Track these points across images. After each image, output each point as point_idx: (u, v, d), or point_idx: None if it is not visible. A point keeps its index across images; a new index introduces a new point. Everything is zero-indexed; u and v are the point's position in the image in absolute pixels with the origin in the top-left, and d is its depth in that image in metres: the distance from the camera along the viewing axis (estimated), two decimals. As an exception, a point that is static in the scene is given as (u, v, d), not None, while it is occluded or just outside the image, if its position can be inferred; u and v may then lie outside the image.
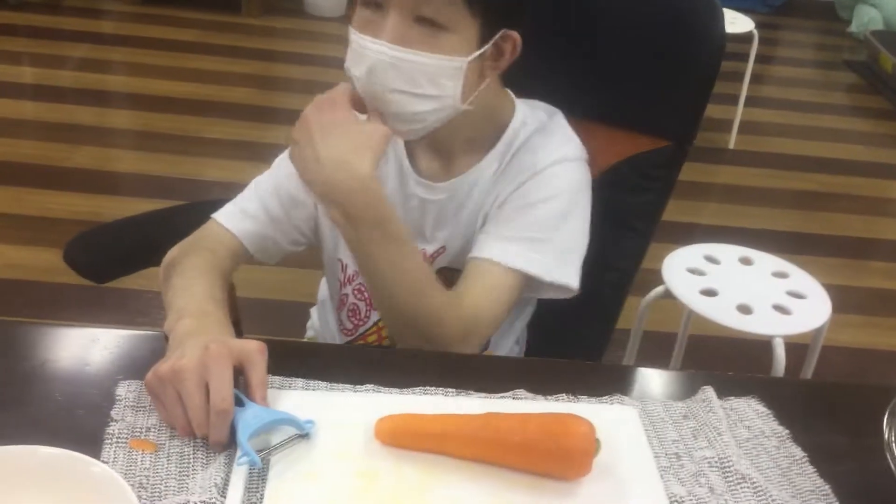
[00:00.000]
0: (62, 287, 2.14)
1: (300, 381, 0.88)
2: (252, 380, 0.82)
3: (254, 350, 0.82)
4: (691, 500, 0.78)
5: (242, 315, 1.29)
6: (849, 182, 3.55)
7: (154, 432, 0.80)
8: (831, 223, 3.23)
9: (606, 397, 0.91)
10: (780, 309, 1.68)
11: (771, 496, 0.79)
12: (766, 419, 0.90)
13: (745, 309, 1.67)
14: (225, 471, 0.75)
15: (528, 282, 1.06)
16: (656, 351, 2.07)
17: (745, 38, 3.43)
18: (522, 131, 1.11)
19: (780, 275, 1.79)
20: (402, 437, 0.81)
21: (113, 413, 0.81)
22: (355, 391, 0.88)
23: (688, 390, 0.93)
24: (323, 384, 0.88)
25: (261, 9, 4.64)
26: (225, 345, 0.81)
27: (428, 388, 0.89)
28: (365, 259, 0.99)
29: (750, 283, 1.76)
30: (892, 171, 3.72)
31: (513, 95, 1.14)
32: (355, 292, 1.20)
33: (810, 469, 0.84)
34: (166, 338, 0.88)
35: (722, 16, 1.16)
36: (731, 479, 0.80)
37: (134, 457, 0.77)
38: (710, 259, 1.82)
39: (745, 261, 1.84)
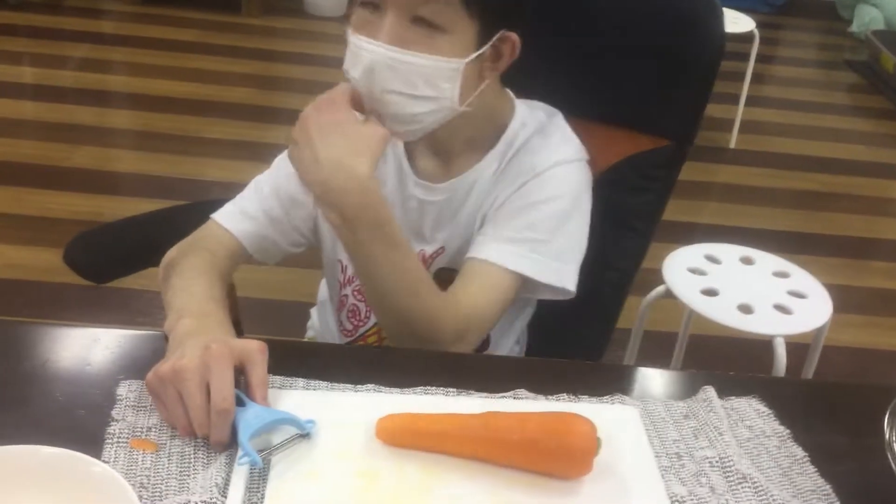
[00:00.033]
0: (63, 287, 2.14)
1: (301, 381, 0.88)
2: (253, 379, 0.82)
3: (254, 350, 0.82)
4: (692, 499, 0.78)
5: (243, 315, 1.29)
6: (850, 182, 3.55)
7: (155, 432, 0.80)
8: (832, 223, 3.23)
9: (607, 397, 0.91)
10: (780, 309, 1.68)
11: (772, 496, 0.79)
12: (766, 419, 0.90)
13: (745, 308, 1.67)
14: (226, 470, 0.75)
15: (525, 283, 1.06)
16: (657, 351, 2.07)
17: (746, 38, 3.43)
18: (522, 132, 1.11)
19: (781, 274, 1.79)
20: (402, 436, 0.81)
21: (114, 413, 0.81)
22: (356, 391, 0.88)
23: (689, 390, 0.93)
24: (324, 384, 0.88)
25: (261, 9, 4.64)
26: (226, 344, 0.81)
27: (428, 388, 0.89)
28: (361, 260, 0.99)
29: (751, 283, 1.76)
30: (893, 170, 3.72)
31: (512, 96, 1.14)
32: (355, 293, 1.20)
33: (811, 469, 0.84)
34: (167, 338, 0.88)
35: (722, 15, 1.16)
36: (731, 478, 0.80)
37: (135, 457, 0.77)
38: (711, 259, 1.82)
39: (746, 260, 1.84)
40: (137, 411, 0.82)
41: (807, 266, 1.82)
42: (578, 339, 1.29)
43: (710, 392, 0.91)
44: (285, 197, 1.11)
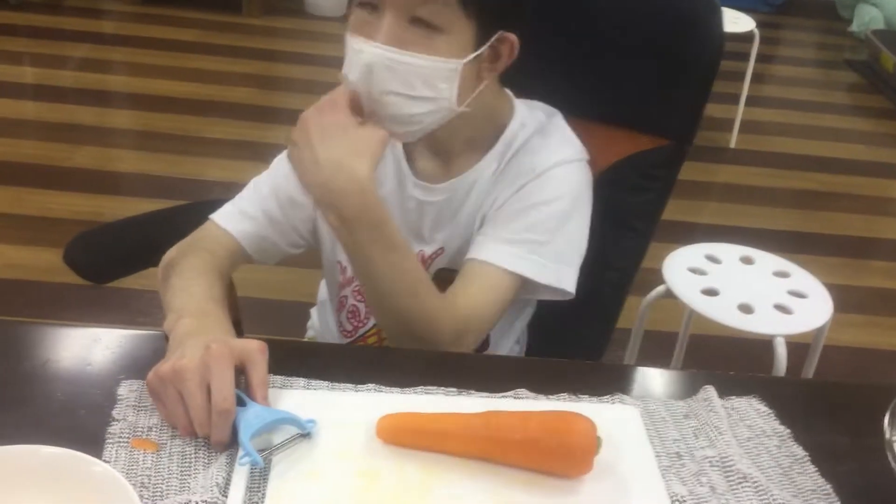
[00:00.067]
0: (63, 287, 2.14)
1: (301, 381, 0.88)
2: (253, 379, 0.82)
3: (255, 350, 0.82)
4: (692, 499, 0.78)
5: (243, 315, 1.29)
6: (850, 181, 3.55)
7: (156, 432, 0.80)
8: (832, 222, 3.23)
9: (608, 397, 0.91)
10: (781, 308, 1.68)
11: (772, 495, 0.79)
12: (767, 418, 0.90)
13: (746, 308, 1.67)
14: (227, 470, 0.75)
15: (525, 284, 1.06)
16: (657, 350, 2.07)
17: (746, 38, 3.43)
18: (521, 133, 1.11)
19: (782, 274, 1.79)
20: (403, 435, 0.81)
21: (114, 413, 0.81)
22: (356, 390, 0.88)
23: (689, 390, 0.93)
24: (324, 384, 0.88)
25: (261, 9, 4.64)
26: (226, 344, 0.81)
27: (429, 387, 0.89)
28: (360, 261, 0.99)
29: (751, 283, 1.76)
30: (892, 170, 3.72)
31: (511, 96, 1.14)
32: (354, 294, 1.20)
33: (811, 468, 0.84)
34: (167, 338, 0.88)
35: (721, 15, 1.16)
36: (732, 478, 0.80)
37: (135, 456, 0.77)
38: (711, 258, 1.82)
39: (746, 260, 1.84)
40: (138, 411, 0.82)
41: (807, 266, 1.82)
42: (578, 339, 1.29)
43: (710, 392, 0.91)
44: (284, 198, 1.11)
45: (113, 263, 1.26)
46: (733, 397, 0.92)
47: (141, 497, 0.69)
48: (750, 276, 1.79)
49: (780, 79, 4.71)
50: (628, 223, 1.25)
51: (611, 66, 1.21)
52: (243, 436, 0.76)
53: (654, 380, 0.98)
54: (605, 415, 0.84)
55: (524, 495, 0.77)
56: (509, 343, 1.23)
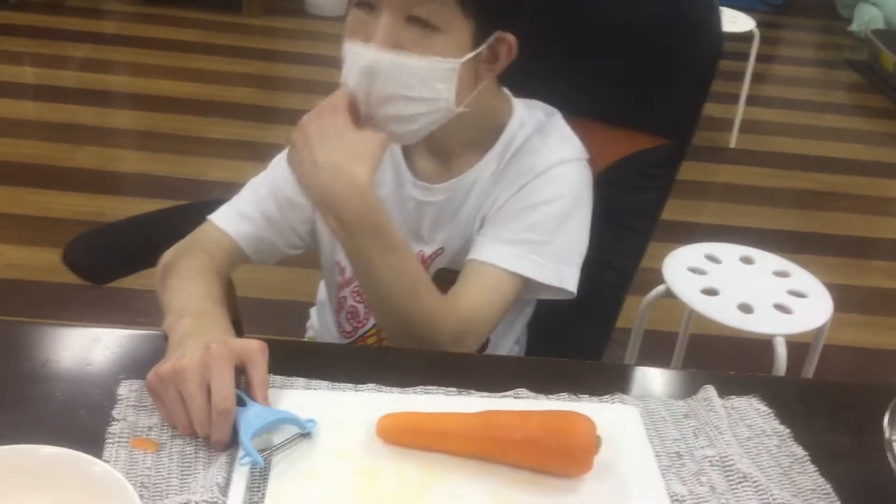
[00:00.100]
0: (63, 287, 2.14)
1: (301, 381, 0.88)
2: (253, 379, 0.82)
3: (255, 349, 0.83)
4: (692, 498, 0.78)
5: (242, 315, 1.29)
6: (850, 181, 3.55)
7: (156, 432, 0.80)
8: (832, 222, 3.23)
9: (607, 396, 0.91)
10: (781, 308, 1.68)
11: (772, 495, 0.79)
12: (767, 418, 0.90)
13: (746, 308, 1.67)
14: (227, 470, 0.75)
15: (526, 284, 1.06)
16: (657, 350, 2.07)
17: (746, 37, 3.43)
18: (521, 132, 1.11)
19: (781, 274, 1.79)
20: (403, 435, 0.81)
21: (114, 412, 0.82)
22: (356, 390, 0.88)
23: (689, 389, 0.93)
24: (324, 383, 0.88)
25: (262, 9, 4.64)
26: (226, 344, 0.81)
27: (429, 387, 0.89)
28: (360, 263, 0.99)
29: (751, 283, 1.76)
30: (893, 170, 3.72)
31: (510, 96, 1.13)
32: (353, 295, 1.20)
33: (811, 468, 0.84)
34: (167, 338, 0.88)
35: (719, 15, 1.17)
36: (732, 478, 0.80)
37: (135, 456, 0.77)
38: (711, 258, 1.82)
39: (746, 260, 1.84)
40: (138, 411, 0.82)
41: (807, 265, 1.82)
42: (578, 338, 1.29)
43: (710, 391, 0.91)
44: (282, 199, 1.11)
45: (113, 263, 1.26)
46: (733, 397, 0.92)
47: (141, 497, 0.69)
48: (750, 276, 1.79)
49: (780, 78, 4.71)
50: (628, 223, 1.25)
51: (610, 65, 1.21)
52: (243, 436, 0.76)
53: (653, 379, 0.98)
54: (605, 414, 0.84)
55: (524, 495, 0.77)
56: (509, 343, 1.23)
